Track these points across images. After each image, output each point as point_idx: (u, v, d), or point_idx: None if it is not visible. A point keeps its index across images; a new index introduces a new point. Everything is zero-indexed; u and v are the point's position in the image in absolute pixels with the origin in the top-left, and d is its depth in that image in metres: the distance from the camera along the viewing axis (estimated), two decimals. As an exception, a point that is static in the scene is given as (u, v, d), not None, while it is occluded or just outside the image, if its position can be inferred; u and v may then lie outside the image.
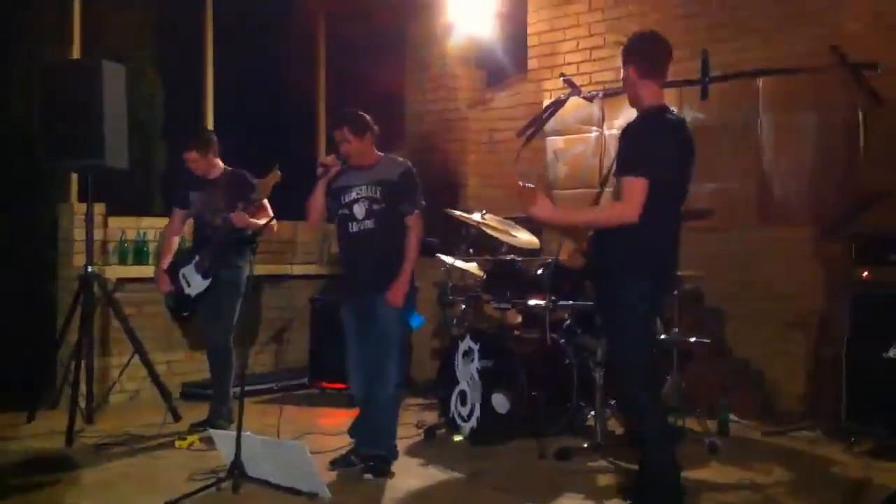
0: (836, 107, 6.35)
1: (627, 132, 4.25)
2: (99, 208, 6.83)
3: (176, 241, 6.17)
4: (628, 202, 4.06)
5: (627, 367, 4.26)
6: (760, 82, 6.69)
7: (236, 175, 5.99)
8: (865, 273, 5.65)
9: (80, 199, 6.86)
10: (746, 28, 6.80)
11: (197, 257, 5.90)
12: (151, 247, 7.10)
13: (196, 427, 5.87)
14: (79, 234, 6.71)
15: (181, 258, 6.05)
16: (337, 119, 5.17)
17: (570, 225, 5.05)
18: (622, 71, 4.34)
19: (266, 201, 5.85)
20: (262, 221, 5.68)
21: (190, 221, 6.22)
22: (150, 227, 7.21)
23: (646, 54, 4.29)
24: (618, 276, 4.20)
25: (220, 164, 6.07)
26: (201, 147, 5.96)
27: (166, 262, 6.03)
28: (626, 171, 4.11)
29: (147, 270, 6.89)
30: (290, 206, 5.51)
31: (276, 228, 5.76)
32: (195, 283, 5.89)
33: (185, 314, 6.02)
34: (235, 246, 5.82)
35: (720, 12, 6.96)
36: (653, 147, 4.12)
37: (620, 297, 4.19)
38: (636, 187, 4.04)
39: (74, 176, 7.04)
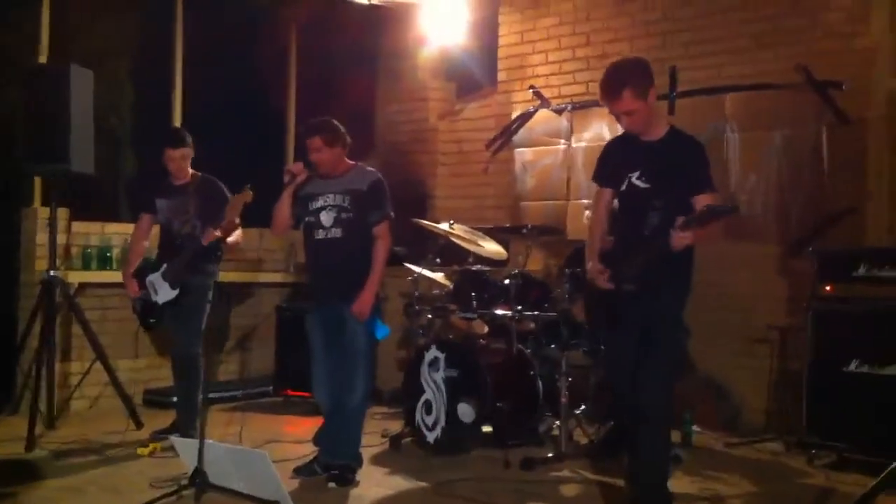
0: (802, 124, 6.41)
1: (699, 149, 4.34)
2: (63, 213, 6.75)
3: (144, 246, 6.10)
4: None
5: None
6: (728, 99, 6.74)
7: (207, 181, 5.95)
8: (828, 288, 5.70)
9: (44, 204, 6.79)
10: (719, 46, 6.85)
11: (165, 265, 5.83)
12: (115, 252, 7.03)
13: (159, 436, 5.80)
14: (41, 238, 6.64)
15: (148, 265, 5.98)
16: (309, 128, 5.09)
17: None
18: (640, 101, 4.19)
19: None
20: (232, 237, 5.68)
21: (155, 229, 6.15)
22: (115, 232, 7.14)
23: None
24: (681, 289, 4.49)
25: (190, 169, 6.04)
26: (190, 145, 5.93)
27: (133, 267, 5.96)
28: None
29: (110, 276, 6.82)
30: (257, 214, 5.48)
31: (241, 242, 5.80)
32: (163, 292, 5.81)
33: (152, 321, 5.95)
34: (204, 254, 5.78)
35: (692, 30, 7.01)
36: None
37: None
38: None
39: (38, 180, 6.95)
